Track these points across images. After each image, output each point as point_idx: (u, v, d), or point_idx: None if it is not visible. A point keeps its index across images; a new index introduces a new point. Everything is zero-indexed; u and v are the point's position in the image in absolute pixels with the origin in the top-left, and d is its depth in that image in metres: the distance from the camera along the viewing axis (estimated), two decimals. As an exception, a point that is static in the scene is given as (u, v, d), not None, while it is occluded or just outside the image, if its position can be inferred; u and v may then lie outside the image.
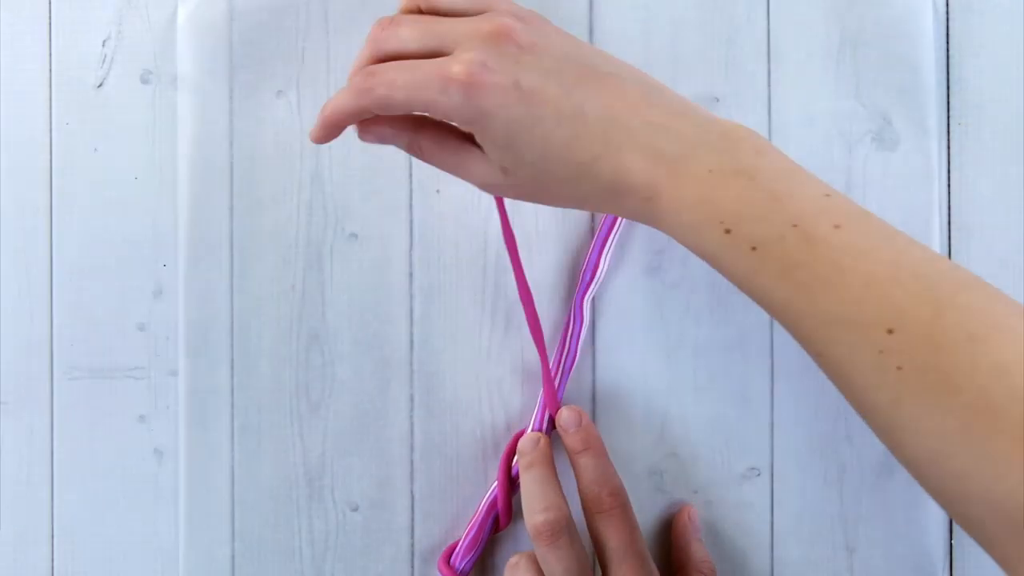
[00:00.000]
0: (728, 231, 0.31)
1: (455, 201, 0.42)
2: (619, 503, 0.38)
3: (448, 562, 0.40)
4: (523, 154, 0.32)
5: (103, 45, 0.42)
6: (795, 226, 0.30)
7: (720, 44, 0.42)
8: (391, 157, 0.42)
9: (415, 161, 0.42)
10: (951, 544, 0.42)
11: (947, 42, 0.42)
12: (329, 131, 0.35)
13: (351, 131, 0.42)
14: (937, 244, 0.42)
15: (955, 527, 0.42)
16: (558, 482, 0.38)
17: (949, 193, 0.42)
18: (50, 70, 0.43)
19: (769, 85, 0.42)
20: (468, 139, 0.34)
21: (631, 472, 0.42)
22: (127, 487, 0.42)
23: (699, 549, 0.40)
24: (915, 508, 0.42)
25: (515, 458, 0.40)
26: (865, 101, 0.42)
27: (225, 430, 0.42)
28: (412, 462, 0.42)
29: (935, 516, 0.42)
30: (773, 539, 0.42)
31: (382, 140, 0.36)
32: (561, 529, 0.37)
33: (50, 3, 0.43)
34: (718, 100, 0.42)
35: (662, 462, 0.42)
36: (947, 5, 0.42)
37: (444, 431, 0.42)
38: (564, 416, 0.40)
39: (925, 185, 0.42)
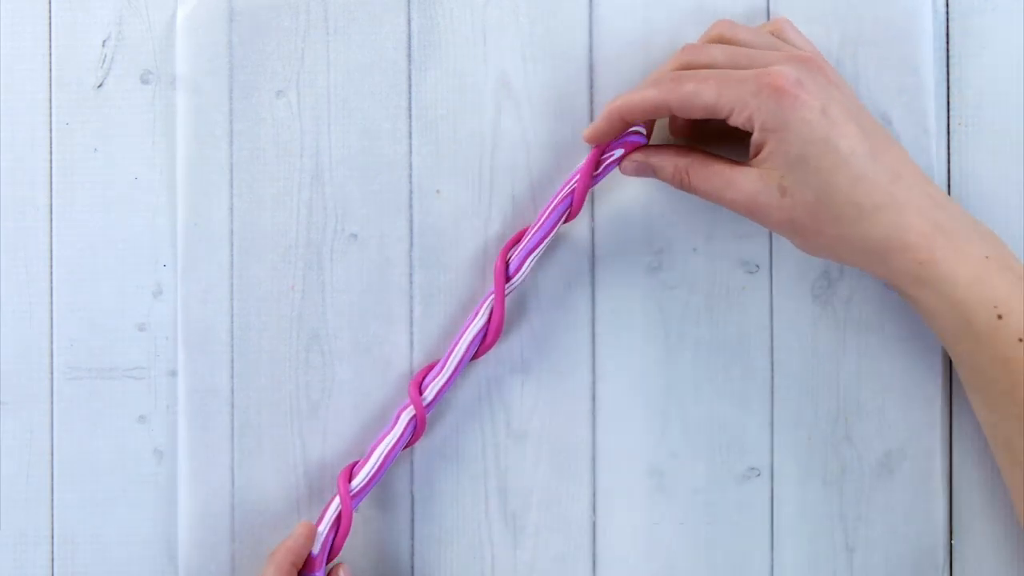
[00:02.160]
0: (1000, 316, 0.32)
1: (455, 201, 0.42)
2: None
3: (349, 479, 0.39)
4: (808, 177, 0.33)
5: (103, 45, 0.42)
6: None
7: (720, 44, 0.42)
8: (391, 157, 0.42)
9: (415, 161, 0.42)
10: (951, 544, 0.42)
11: (947, 42, 0.42)
12: (612, 125, 0.36)
13: (350, 130, 0.42)
14: (937, 244, 0.42)
15: (955, 527, 0.42)
16: None
17: (949, 193, 0.42)
18: (50, 70, 0.43)
19: (769, 85, 0.42)
20: (736, 162, 0.36)
21: (631, 472, 0.42)
22: (127, 487, 0.42)
23: None
24: (915, 508, 0.42)
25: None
26: (865, 101, 0.42)
27: (225, 430, 0.42)
28: (412, 462, 0.42)
29: (935, 516, 0.42)
30: (773, 539, 0.42)
31: (645, 172, 0.37)
32: None
33: (50, 3, 0.43)
34: (718, 100, 0.42)
35: (662, 462, 0.42)
36: (947, 5, 0.42)
37: (445, 431, 0.42)
38: None
39: (925, 185, 0.42)
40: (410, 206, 0.42)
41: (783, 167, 0.34)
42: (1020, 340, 0.32)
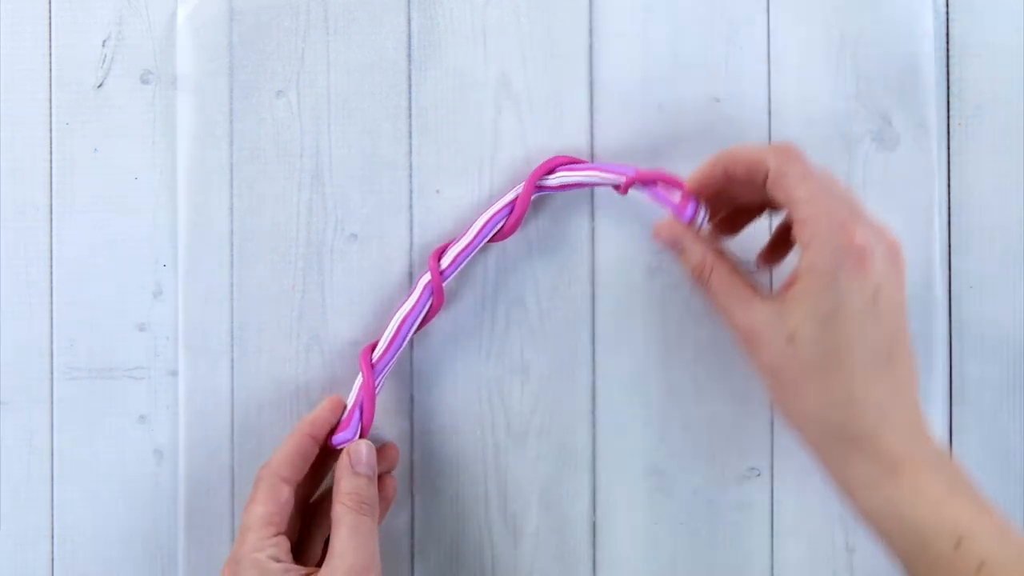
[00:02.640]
0: (959, 543, 0.31)
1: (455, 201, 0.42)
2: (262, 473, 0.37)
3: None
4: (824, 338, 0.33)
5: (103, 45, 0.42)
6: (1020, 559, 0.31)
7: (720, 44, 0.42)
8: (391, 157, 0.42)
9: (415, 161, 0.42)
10: (951, 544, 0.42)
11: (947, 42, 0.42)
12: (714, 170, 0.36)
13: (350, 130, 0.42)
14: (937, 244, 0.42)
15: (955, 527, 0.42)
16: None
17: (949, 193, 0.42)
18: (50, 70, 0.43)
19: (769, 85, 0.42)
20: (758, 291, 0.35)
21: (631, 472, 0.42)
22: (127, 487, 0.42)
23: (349, 480, 0.37)
24: (915, 508, 0.42)
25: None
26: (865, 101, 0.42)
27: (225, 430, 0.42)
28: (412, 462, 0.42)
29: (935, 516, 0.42)
30: (773, 539, 0.42)
31: (674, 247, 0.37)
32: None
33: (50, 3, 0.43)
34: (718, 100, 0.42)
35: (662, 462, 0.42)
36: (947, 5, 0.42)
37: (444, 431, 0.42)
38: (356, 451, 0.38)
39: (925, 185, 0.42)
40: (410, 206, 0.42)
41: (805, 315, 0.33)
42: (980, 568, 0.31)
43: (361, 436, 0.38)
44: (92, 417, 0.42)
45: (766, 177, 0.34)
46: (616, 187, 0.39)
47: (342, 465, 0.38)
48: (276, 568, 0.35)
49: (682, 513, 0.42)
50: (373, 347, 0.40)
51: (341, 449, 0.38)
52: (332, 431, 0.39)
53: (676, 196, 0.38)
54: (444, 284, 0.40)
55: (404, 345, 0.39)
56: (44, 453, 0.42)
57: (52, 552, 0.42)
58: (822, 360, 0.33)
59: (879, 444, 0.32)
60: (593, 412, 0.42)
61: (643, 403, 0.42)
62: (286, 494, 0.37)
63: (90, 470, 0.42)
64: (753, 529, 0.42)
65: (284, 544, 0.36)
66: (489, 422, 0.42)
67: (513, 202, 0.40)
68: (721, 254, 0.37)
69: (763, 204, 0.37)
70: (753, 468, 0.42)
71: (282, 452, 0.38)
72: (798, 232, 0.34)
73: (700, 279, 0.37)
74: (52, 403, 0.42)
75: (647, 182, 0.39)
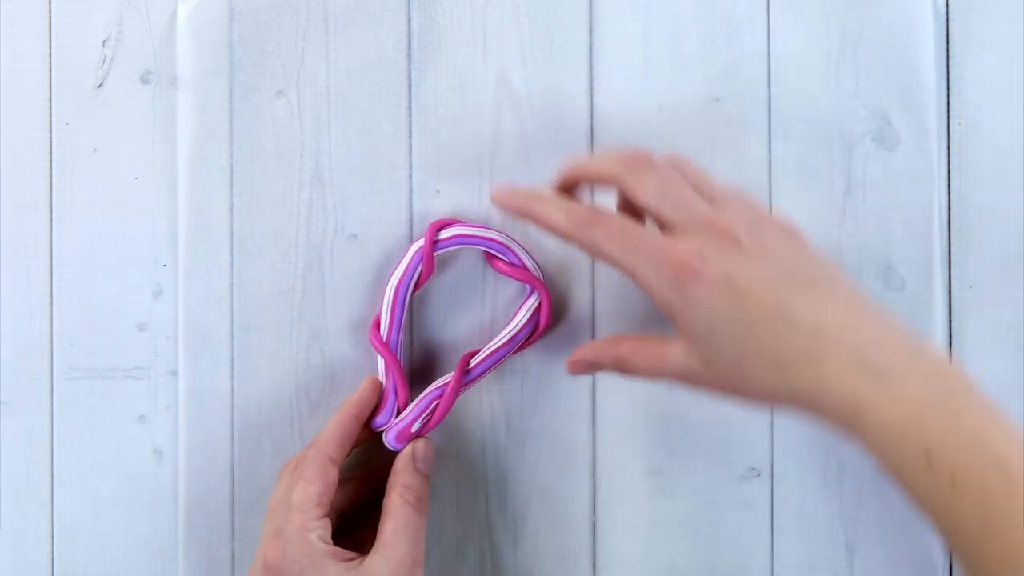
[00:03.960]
0: (930, 460, 0.31)
1: (455, 201, 0.42)
2: (307, 453, 0.38)
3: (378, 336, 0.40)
4: (722, 348, 0.33)
5: (103, 45, 0.42)
6: (998, 468, 0.31)
7: (720, 44, 0.42)
8: (391, 157, 0.42)
9: (415, 161, 0.42)
10: (951, 544, 0.42)
11: (947, 42, 0.42)
12: (520, 215, 0.37)
13: (350, 130, 0.42)
14: (937, 244, 0.42)
15: (955, 527, 0.42)
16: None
17: (949, 193, 0.42)
18: (50, 70, 0.43)
19: (769, 85, 0.42)
20: (666, 341, 0.36)
21: (631, 472, 0.42)
22: (127, 487, 0.42)
23: (411, 475, 0.39)
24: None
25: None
26: (865, 101, 0.42)
27: (225, 430, 0.42)
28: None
29: (935, 516, 0.42)
30: (773, 539, 0.42)
31: (590, 369, 0.38)
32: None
33: (50, 3, 0.43)
34: (718, 100, 0.42)
35: (662, 462, 0.42)
36: (947, 5, 0.42)
37: (445, 431, 0.42)
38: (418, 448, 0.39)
39: (925, 185, 0.42)
40: (410, 206, 0.42)
41: (697, 340, 0.34)
42: (953, 483, 0.31)
43: (397, 413, 0.40)
44: (92, 417, 0.42)
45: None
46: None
47: (404, 458, 0.39)
48: (324, 549, 0.35)
49: (682, 513, 0.42)
50: (377, 325, 0.40)
51: (377, 432, 0.40)
52: (373, 412, 0.40)
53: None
54: (436, 255, 0.40)
55: (404, 314, 0.40)
56: (44, 453, 0.43)
57: (52, 552, 0.42)
58: (738, 360, 0.33)
59: (830, 387, 0.32)
60: (593, 412, 0.42)
61: (643, 403, 0.42)
62: (334, 475, 0.37)
63: (90, 470, 0.42)
64: (753, 529, 0.42)
65: (328, 526, 0.36)
66: (489, 422, 0.42)
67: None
68: (620, 341, 0.37)
69: None
70: (753, 468, 0.42)
71: (330, 432, 0.38)
72: (635, 281, 0.35)
73: (625, 373, 0.37)
74: (52, 403, 0.42)
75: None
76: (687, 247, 0.33)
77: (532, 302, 0.41)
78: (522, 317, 0.40)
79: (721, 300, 0.33)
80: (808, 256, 0.35)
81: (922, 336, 0.35)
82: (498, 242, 0.40)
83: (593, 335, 0.42)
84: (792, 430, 0.42)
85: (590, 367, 0.38)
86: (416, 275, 0.40)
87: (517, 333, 0.40)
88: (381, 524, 0.37)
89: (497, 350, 0.40)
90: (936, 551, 0.42)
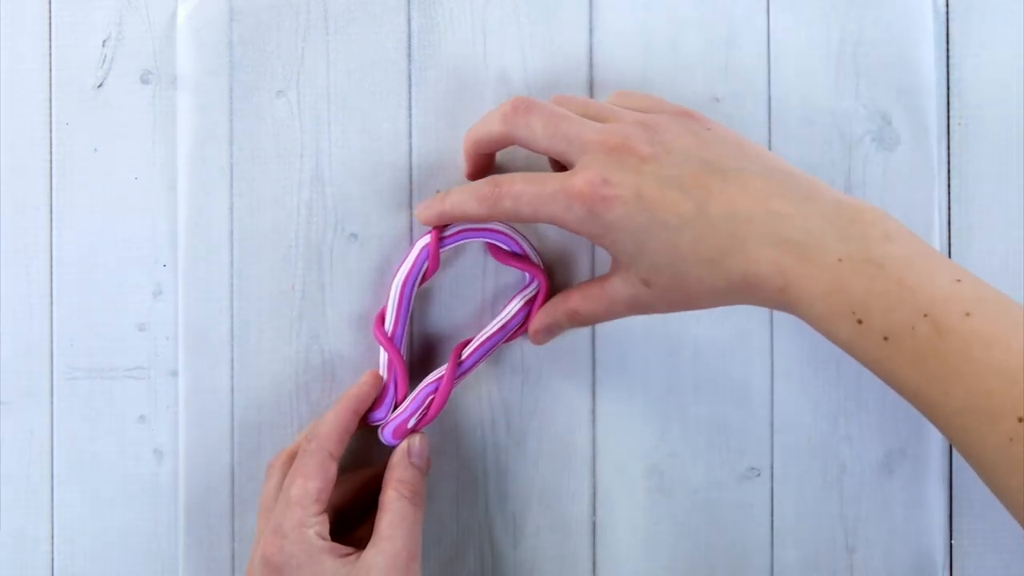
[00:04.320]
0: (860, 321, 0.31)
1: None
2: (308, 447, 0.38)
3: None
4: (655, 260, 0.34)
5: (103, 45, 0.42)
6: (926, 315, 0.30)
7: (720, 44, 0.42)
8: (391, 157, 0.42)
9: (415, 161, 0.42)
10: (951, 544, 0.42)
11: (947, 42, 0.42)
12: (444, 221, 0.38)
13: (350, 130, 0.42)
14: (937, 244, 0.42)
15: (955, 527, 0.42)
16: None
17: (949, 193, 0.42)
18: (50, 70, 0.43)
19: (769, 85, 0.42)
20: (604, 278, 0.36)
21: (631, 472, 0.42)
22: (127, 487, 0.42)
23: (406, 469, 0.39)
24: (915, 508, 0.42)
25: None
26: (865, 101, 0.42)
27: (225, 430, 0.42)
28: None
29: (935, 516, 0.42)
30: (773, 539, 0.42)
31: (553, 333, 0.39)
32: (274, 460, 0.40)
33: (50, 3, 0.43)
34: (718, 100, 0.42)
35: (662, 462, 0.42)
36: (947, 5, 0.42)
37: (444, 431, 0.42)
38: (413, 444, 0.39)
39: (925, 185, 0.42)
40: (410, 206, 0.42)
41: (631, 263, 0.34)
42: (885, 339, 0.31)
43: (395, 408, 0.40)
44: (92, 417, 0.42)
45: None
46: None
47: (399, 453, 0.39)
48: (322, 546, 0.35)
49: (682, 513, 0.42)
50: (382, 319, 0.40)
51: (372, 426, 0.40)
52: (372, 407, 0.40)
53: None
54: (442, 251, 0.40)
55: (410, 309, 0.40)
56: (44, 453, 0.43)
57: (52, 552, 0.42)
58: (671, 269, 0.34)
59: (759, 270, 0.32)
60: (593, 412, 0.42)
61: (643, 403, 0.42)
62: (333, 471, 0.37)
63: (90, 470, 0.42)
64: (753, 529, 0.42)
65: (326, 522, 0.36)
66: (489, 421, 0.42)
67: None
68: (567, 295, 0.38)
69: None
70: (753, 468, 0.42)
71: (329, 427, 0.38)
72: (562, 228, 0.35)
73: (584, 324, 0.38)
74: (52, 403, 0.42)
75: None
76: (588, 176, 0.34)
77: (528, 291, 0.40)
78: (515, 304, 0.40)
79: (638, 216, 0.33)
80: (711, 141, 0.35)
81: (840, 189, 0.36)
82: (503, 233, 0.40)
83: (592, 328, 0.42)
84: (792, 430, 0.42)
85: (550, 330, 0.39)
86: (422, 271, 0.40)
87: (509, 321, 0.40)
88: (377, 519, 0.37)
89: (489, 338, 0.40)
90: (936, 551, 0.42)
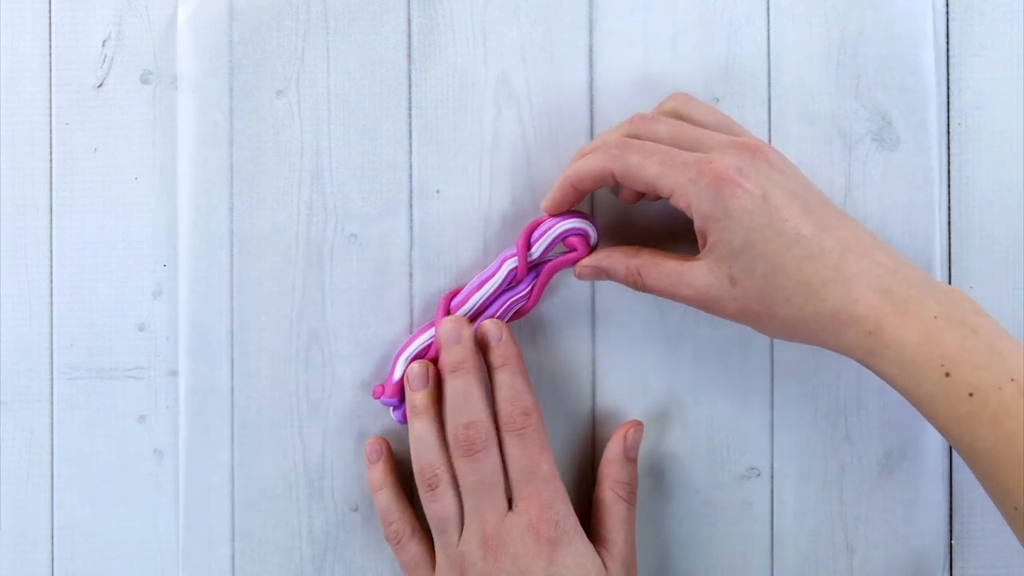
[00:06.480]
0: (948, 374, 0.32)
1: (455, 201, 0.42)
2: (529, 423, 0.38)
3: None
4: (755, 264, 0.34)
5: (103, 45, 0.42)
6: (1013, 380, 0.32)
7: (720, 44, 0.42)
8: (391, 157, 0.42)
9: (415, 161, 0.42)
10: (951, 544, 0.42)
11: (947, 42, 0.42)
12: (566, 194, 0.38)
13: (350, 130, 0.42)
14: (937, 244, 0.42)
15: (955, 527, 0.42)
16: (484, 388, 0.38)
17: (949, 193, 0.42)
18: (50, 70, 0.43)
19: (769, 85, 0.42)
20: (686, 257, 0.36)
21: (631, 472, 0.42)
22: (127, 487, 0.42)
23: (623, 468, 0.40)
24: (915, 508, 0.42)
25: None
26: (865, 101, 0.42)
27: (225, 430, 0.42)
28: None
29: (935, 516, 0.42)
30: (773, 539, 0.42)
31: (600, 276, 0.39)
32: (480, 443, 0.37)
33: (50, 3, 0.43)
34: (718, 100, 0.42)
35: (662, 462, 0.42)
36: (947, 5, 0.42)
37: (444, 431, 0.42)
38: (487, 329, 0.39)
39: (925, 185, 0.42)
40: (410, 206, 0.42)
41: (729, 256, 0.34)
42: (970, 395, 0.32)
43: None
44: (92, 417, 0.42)
45: (616, 178, 0.36)
46: (512, 285, 0.40)
47: (615, 448, 0.40)
48: (577, 524, 0.38)
49: (682, 513, 0.42)
50: (453, 295, 0.40)
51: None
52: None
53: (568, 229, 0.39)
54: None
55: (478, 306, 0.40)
56: (44, 453, 0.43)
57: (52, 552, 0.42)
58: (767, 277, 0.34)
59: (855, 309, 0.33)
60: (593, 412, 0.42)
61: (643, 403, 0.42)
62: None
63: (90, 470, 0.42)
64: (753, 529, 0.42)
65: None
66: (489, 422, 0.42)
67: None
68: (639, 251, 0.38)
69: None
70: (753, 468, 0.42)
71: (534, 399, 0.39)
72: (674, 202, 0.35)
73: (636, 286, 0.38)
74: (52, 403, 0.42)
75: (532, 232, 0.39)
76: (724, 160, 0.34)
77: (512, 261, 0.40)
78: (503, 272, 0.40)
79: (759, 215, 0.34)
80: (812, 184, 0.37)
81: None
82: (581, 229, 0.39)
83: (592, 323, 0.42)
84: (792, 430, 0.42)
85: (600, 273, 0.39)
86: (511, 301, 0.40)
87: (502, 279, 0.40)
88: (595, 518, 0.39)
89: (478, 288, 0.40)
90: (936, 551, 0.42)
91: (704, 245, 0.36)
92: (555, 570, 0.36)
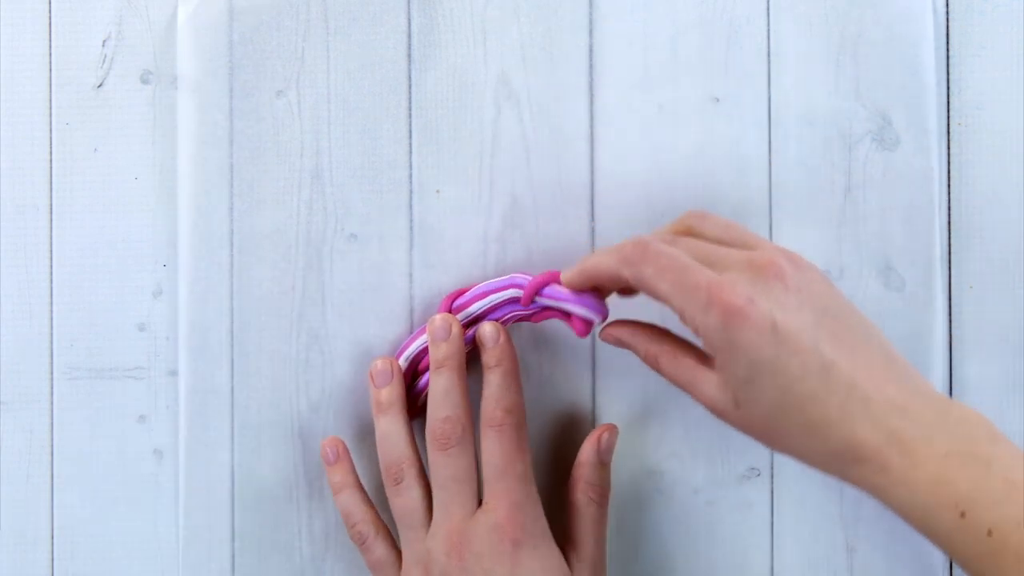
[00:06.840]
0: (964, 514, 0.31)
1: (455, 201, 0.42)
2: (509, 420, 0.38)
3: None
4: (760, 395, 0.33)
5: (103, 45, 0.42)
6: None
7: (720, 44, 0.42)
8: (391, 157, 0.42)
9: (415, 161, 0.42)
10: (951, 544, 0.42)
11: (947, 42, 0.42)
12: (584, 280, 0.37)
13: (350, 130, 0.42)
14: (937, 244, 0.42)
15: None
16: (465, 385, 0.38)
17: (949, 193, 0.42)
18: (50, 70, 0.43)
19: (769, 85, 0.42)
20: (704, 360, 0.35)
21: (631, 472, 0.42)
22: (127, 487, 0.42)
23: (595, 471, 0.39)
24: (915, 508, 0.42)
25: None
26: (865, 101, 0.42)
27: (225, 430, 0.42)
28: (412, 462, 0.42)
29: (935, 516, 0.42)
30: (773, 539, 0.42)
31: (623, 346, 0.38)
32: (456, 439, 0.37)
33: (50, 3, 0.43)
34: (718, 100, 0.42)
35: (662, 462, 0.42)
36: (947, 5, 0.42)
37: (444, 431, 0.42)
38: (485, 331, 0.39)
39: (925, 185, 0.42)
40: (410, 206, 0.42)
41: (734, 384, 0.34)
42: (990, 534, 0.31)
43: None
44: (92, 417, 0.42)
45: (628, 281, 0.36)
46: (517, 300, 0.40)
47: (589, 450, 0.40)
48: (546, 528, 0.38)
49: (682, 513, 0.42)
50: (455, 296, 0.40)
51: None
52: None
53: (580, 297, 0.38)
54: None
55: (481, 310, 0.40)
56: (44, 453, 0.43)
57: (52, 552, 0.42)
58: (770, 410, 0.33)
59: (860, 451, 0.32)
60: (593, 412, 0.42)
61: (643, 403, 0.42)
62: None
63: (90, 470, 0.42)
64: (753, 529, 0.42)
65: None
66: (489, 422, 0.42)
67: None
68: (662, 337, 0.37)
69: None
70: (753, 468, 0.42)
71: (519, 397, 0.39)
72: (682, 322, 0.34)
73: (653, 368, 0.37)
74: (52, 403, 0.42)
75: (542, 287, 0.39)
76: (740, 286, 0.33)
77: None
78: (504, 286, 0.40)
79: (765, 349, 0.32)
80: (840, 297, 0.35)
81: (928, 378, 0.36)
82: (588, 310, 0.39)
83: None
84: (792, 430, 0.42)
85: (622, 345, 0.39)
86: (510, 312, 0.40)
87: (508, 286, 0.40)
88: (570, 523, 0.39)
89: (484, 294, 0.40)
90: (936, 551, 0.42)
91: (715, 362, 0.35)
92: (519, 571, 0.36)
